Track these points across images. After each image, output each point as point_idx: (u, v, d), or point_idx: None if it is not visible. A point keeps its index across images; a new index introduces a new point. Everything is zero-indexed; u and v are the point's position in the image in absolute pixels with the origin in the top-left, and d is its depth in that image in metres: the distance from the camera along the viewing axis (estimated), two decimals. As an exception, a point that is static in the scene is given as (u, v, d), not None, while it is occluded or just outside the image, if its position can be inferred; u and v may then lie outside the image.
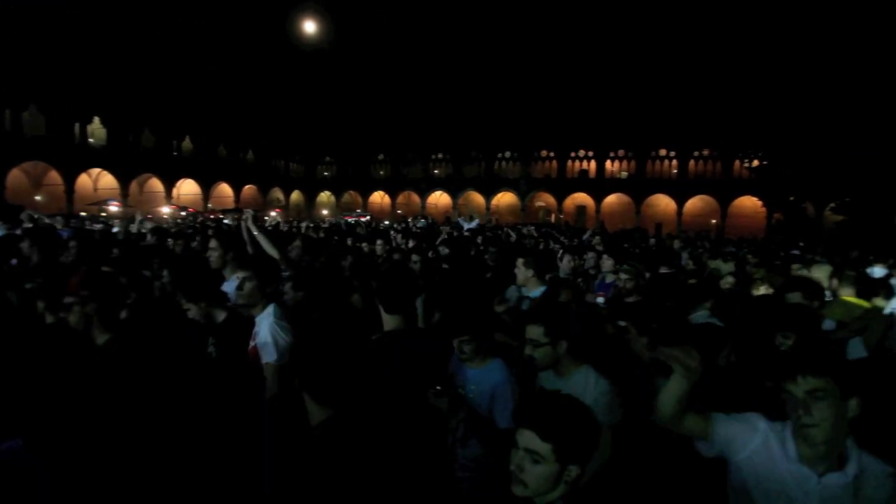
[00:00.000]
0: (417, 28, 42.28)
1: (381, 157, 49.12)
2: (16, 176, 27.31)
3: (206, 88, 36.53)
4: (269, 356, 2.61)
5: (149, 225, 8.66)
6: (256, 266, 2.94)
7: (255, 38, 38.06)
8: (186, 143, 37.71)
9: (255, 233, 4.49)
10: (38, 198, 29.77)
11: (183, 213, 29.36)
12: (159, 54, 32.36)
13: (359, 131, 46.81)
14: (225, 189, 40.48)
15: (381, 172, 49.62)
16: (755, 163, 33.29)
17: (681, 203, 39.71)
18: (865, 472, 1.48)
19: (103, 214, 26.09)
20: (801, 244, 13.59)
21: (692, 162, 40.12)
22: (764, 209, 34.02)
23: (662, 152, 40.80)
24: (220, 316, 2.80)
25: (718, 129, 36.84)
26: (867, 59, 22.89)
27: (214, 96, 37.44)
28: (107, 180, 32.57)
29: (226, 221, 19.63)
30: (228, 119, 39.31)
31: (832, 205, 26.69)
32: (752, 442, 1.62)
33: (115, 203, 29.45)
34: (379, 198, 48.93)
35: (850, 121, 22.38)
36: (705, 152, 39.59)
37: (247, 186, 41.88)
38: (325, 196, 50.66)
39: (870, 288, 4.03)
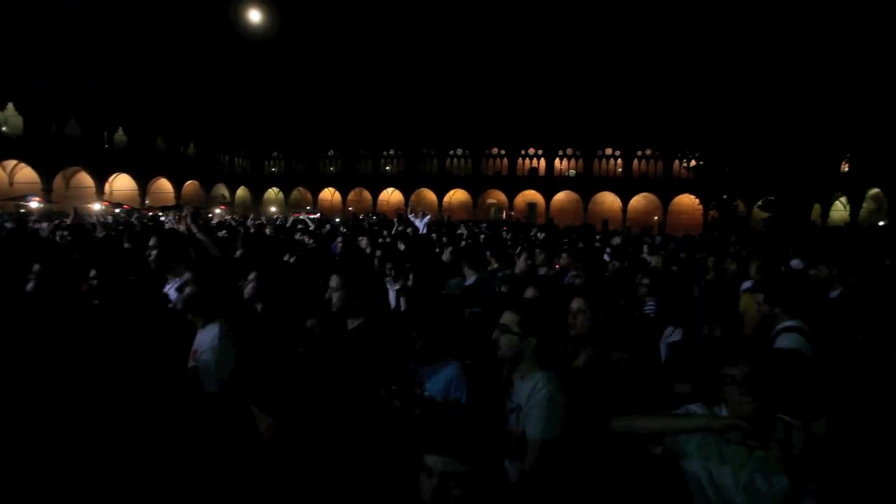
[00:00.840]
0: (369, 22, 41.58)
1: (331, 152, 48.04)
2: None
3: (142, 76, 34.22)
4: (208, 385, 2.30)
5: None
6: (201, 269, 2.66)
7: (199, 24, 36.10)
8: (119, 135, 35.23)
9: (196, 232, 4.18)
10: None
11: (116, 210, 27.50)
12: (88, 35, 29.96)
13: (308, 126, 45.51)
14: (164, 185, 38.23)
15: (332, 168, 48.54)
16: (693, 163, 35.22)
17: (625, 200, 41.42)
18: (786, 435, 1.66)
19: (22, 211, 23.99)
20: (733, 239, 14.46)
21: (636, 161, 41.92)
22: (701, 206, 36.12)
23: (608, 151, 42.36)
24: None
25: (660, 130, 38.69)
26: (792, 67, 24.71)
27: (152, 84, 35.12)
28: (25, 174, 29.93)
29: (164, 219, 18.51)
30: (167, 110, 37.05)
31: (759, 203, 28.66)
32: (696, 433, 1.74)
33: (37, 199, 27.11)
34: (329, 195, 47.87)
35: (775, 125, 24.11)
36: (648, 152, 41.48)
37: (188, 182, 39.75)
38: (272, 193, 48.96)
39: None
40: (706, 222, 33.92)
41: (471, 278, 4.45)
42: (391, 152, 46.93)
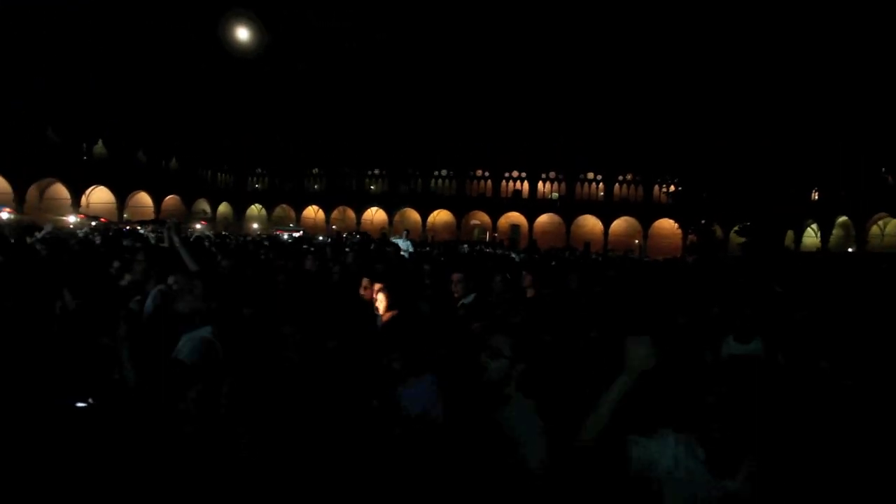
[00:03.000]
0: (356, 42, 42.14)
1: (315, 170, 47.97)
2: None
3: (124, 88, 33.88)
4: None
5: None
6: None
7: (185, 37, 36.10)
8: (99, 147, 34.65)
9: (177, 244, 4.12)
10: None
11: (93, 223, 26.86)
12: (71, 42, 29.64)
13: (292, 143, 45.49)
14: (143, 198, 37.59)
15: (316, 186, 48.40)
16: (672, 188, 36.11)
17: (607, 224, 42.11)
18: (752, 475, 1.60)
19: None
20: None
21: (617, 185, 42.78)
22: (680, 231, 36.90)
23: (590, 175, 43.20)
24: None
25: (640, 155, 39.70)
26: (767, 99, 25.74)
27: (134, 96, 34.79)
28: (-2, 184, 29.12)
29: (142, 232, 18.15)
30: (149, 122, 36.68)
31: (736, 227, 29.41)
32: (666, 457, 1.68)
33: (7, 210, 26.33)
34: (313, 212, 47.59)
35: (751, 153, 24.96)
36: (629, 177, 42.40)
37: (169, 196, 39.15)
38: (255, 209, 48.47)
39: None
40: (685, 246, 34.62)
41: (469, 297, 4.53)
42: (376, 171, 47.06)
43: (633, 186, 42.54)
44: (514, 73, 41.62)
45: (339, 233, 40.66)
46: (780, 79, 26.49)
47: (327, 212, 46.56)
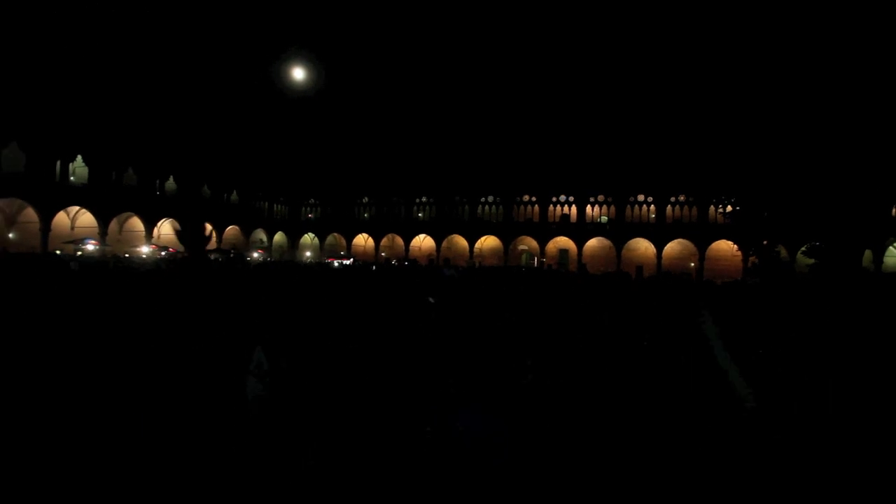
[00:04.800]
0: (403, 74, 43.84)
1: (365, 199, 49.55)
2: (-11, 213, 26.71)
3: (191, 130, 36.84)
4: None
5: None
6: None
7: (242, 81, 38.93)
8: (170, 183, 37.55)
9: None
10: (11, 235, 29.03)
11: (163, 253, 28.88)
12: (145, 94, 32.72)
13: (343, 174, 47.44)
14: (208, 229, 40.03)
15: (366, 215, 49.88)
16: (728, 208, 34.52)
17: (660, 247, 40.67)
18: None
19: (79, 253, 25.49)
20: None
21: (669, 207, 41.39)
22: (740, 253, 35.02)
23: (641, 198, 42.11)
24: None
25: (693, 176, 38.41)
26: (836, 107, 24.37)
27: (200, 137, 37.72)
28: (85, 219, 32.00)
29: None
30: (213, 160, 39.48)
31: (804, 248, 27.60)
32: None
33: (93, 242, 28.85)
34: (363, 240, 48.94)
35: (818, 166, 23.54)
36: (681, 198, 40.96)
37: (229, 227, 41.56)
38: (308, 238, 50.48)
39: None
40: (746, 268, 32.81)
41: None
42: (423, 199, 47.99)
43: (686, 207, 41.00)
44: (560, 98, 41.79)
45: (388, 259, 41.53)
46: (853, 80, 24.92)
47: (376, 239, 47.75)
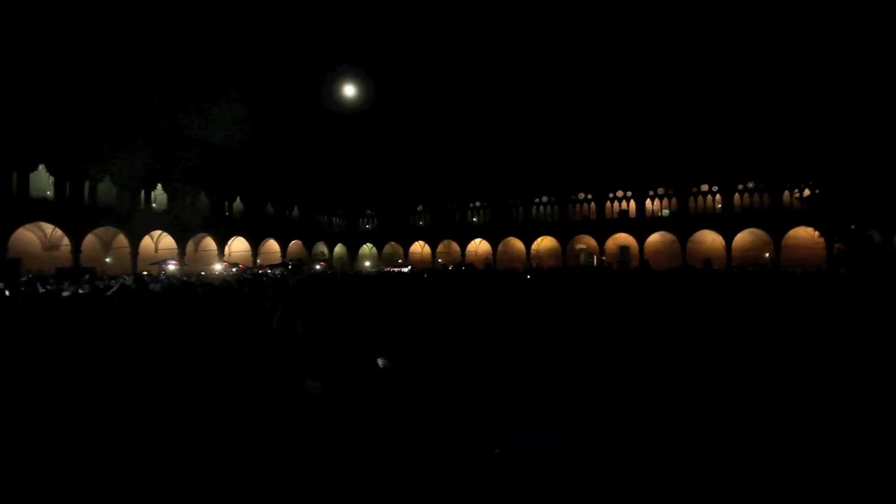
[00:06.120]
0: (451, 81, 44.32)
1: (420, 207, 50.34)
2: (90, 240, 29.59)
3: (255, 152, 39.20)
4: None
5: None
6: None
7: (297, 104, 40.96)
8: (237, 204, 40.03)
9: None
10: (108, 259, 31.99)
11: (234, 269, 30.72)
12: (214, 126, 35.26)
13: (398, 184, 48.59)
14: (272, 245, 42.29)
15: (421, 223, 50.67)
16: (806, 192, 31.98)
17: (729, 238, 38.33)
18: None
19: (163, 274, 27.65)
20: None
21: (737, 195, 38.93)
22: (822, 240, 32.29)
23: (704, 188, 39.92)
24: None
25: (763, 160, 36.03)
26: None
27: (263, 159, 40.06)
28: (166, 241, 34.74)
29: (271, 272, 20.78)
30: (275, 179, 41.74)
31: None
32: None
33: (174, 262, 31.23)
34: (419, 247, 49.72)
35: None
36: (750, 185, 38.40)
37: (293, 242, 43.61)
38: (366, 248, 51.98)
39: None
40: (831, 256, 30.18)
41: None
42: (477, 204, 48.09)
43: (756, 194, 38.37)
44: (611, 92, 40.63)
45: (444, 266, 41.90)
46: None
47: (433, 246, 48.36)
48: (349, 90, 37.32)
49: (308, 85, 40.38)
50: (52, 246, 31.02)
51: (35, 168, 26.12)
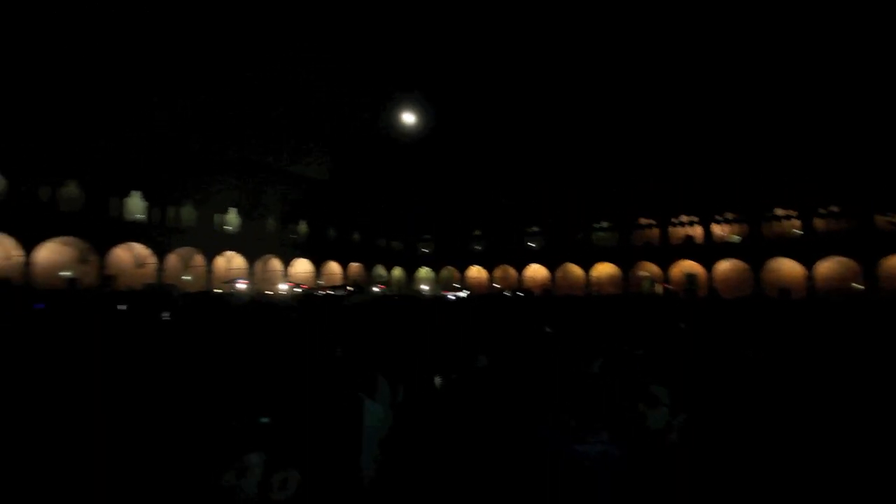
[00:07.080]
0: (512, 107, 44.91)
1: (477, 232, 50.62)
2: (172, 259, 32.33)
3: (320, 178, 41.51)
4: None
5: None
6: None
7: (359, 132, 43.16)
8: (302, 227, 42.27)
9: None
10: (187, 277, 34.64)
11: (297, 290, 32.23)
12: (279, 157, 38.04)
13: (455, 209, 49.33)
14: (333, 267, 44.02)
15: (478, 247, 50.85)
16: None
17: (809, 266, 35.33)
18: None
19: (232, 293, 29.53)
20: None
21: (818, 220, 35.99)
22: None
23: (779, 212, 37.28)
24: None
25: (846, 181, 33.27)
26: None
27: (327, 185, 42.28)
28: (237, 261, 37.19)
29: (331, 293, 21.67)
30: (338, 205, 43.82)
31: None
32: None
33: (243, 281, 33.28)
34: (476, 272, 49.78)
35: None
36: (834, 209, 35.40)
37: (353, 264, 45.19)
38: (424, 271, 52.74)
39: None
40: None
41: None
42: (535, 229, 47.66)
43: (842, 219, 35.23)
44: (676, 112, 39.45)
45: (501, 291, 41.64)
46: None
47: (489, 271, 48.27)
48: (409, 118, 38.89)
49: (370, 113, 42.55)
50: (141, 264, 34.15)
51: (128, 194, 29.19)
